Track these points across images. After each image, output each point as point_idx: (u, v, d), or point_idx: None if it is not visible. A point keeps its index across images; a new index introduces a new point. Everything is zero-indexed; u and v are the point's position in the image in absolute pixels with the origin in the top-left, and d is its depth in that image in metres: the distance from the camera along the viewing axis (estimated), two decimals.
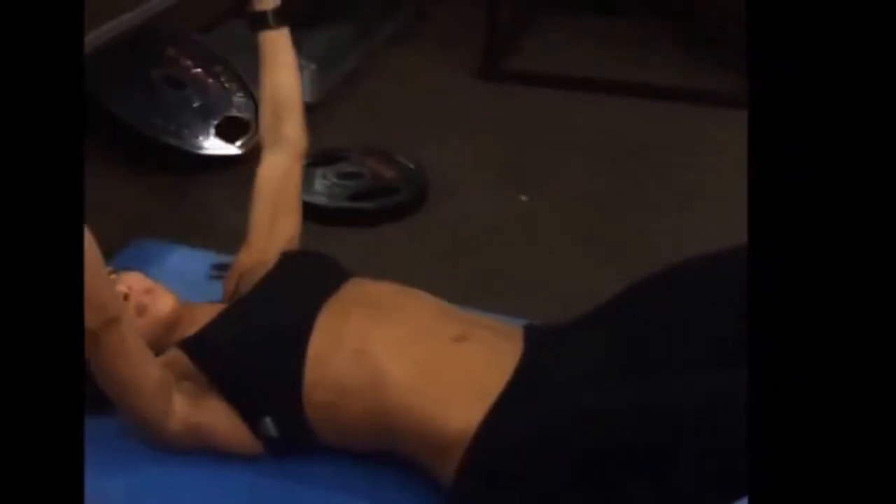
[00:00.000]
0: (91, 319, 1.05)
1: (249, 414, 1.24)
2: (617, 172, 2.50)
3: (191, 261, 1.77)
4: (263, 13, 1.47)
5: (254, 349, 1.25)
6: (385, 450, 1.23)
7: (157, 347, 1.27)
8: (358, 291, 1.31)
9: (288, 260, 1.41)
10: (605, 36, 3.30)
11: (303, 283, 1.34)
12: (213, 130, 2.46)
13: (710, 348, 1.17)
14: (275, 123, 1.50)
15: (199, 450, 1.26)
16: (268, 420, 1.23)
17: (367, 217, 2.24)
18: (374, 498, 1.23)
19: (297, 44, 1.54)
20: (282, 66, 1.50)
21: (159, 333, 1.30)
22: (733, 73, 2.96)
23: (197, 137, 2.45)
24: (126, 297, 1.30)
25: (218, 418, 1.24)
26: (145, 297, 1.31)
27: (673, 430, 1.07)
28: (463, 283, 1.90)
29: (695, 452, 1.05)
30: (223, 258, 1.78)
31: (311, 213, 1.71)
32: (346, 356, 1.21)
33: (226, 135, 2.48)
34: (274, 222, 1.47)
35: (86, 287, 0.94)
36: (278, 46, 1.50)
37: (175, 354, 1.26)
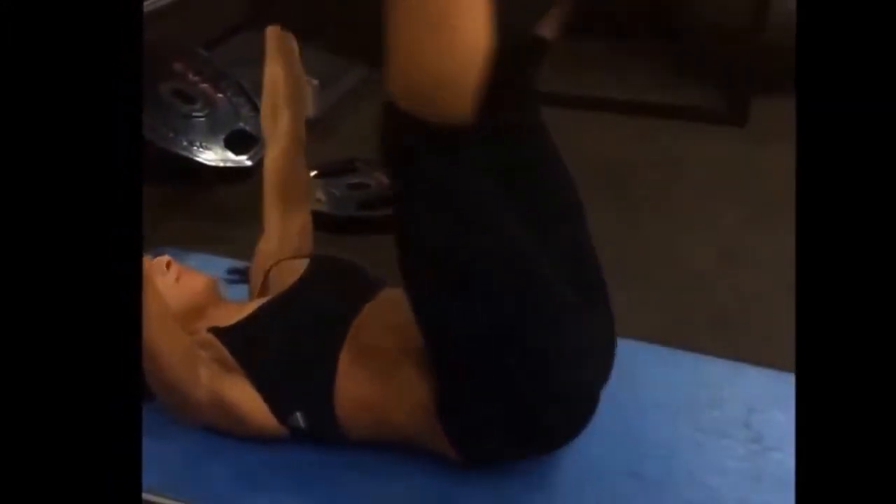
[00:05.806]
0: None
1: (279, 405, 1.28)
2: (606, 183, 2.61)
3: (208, 266, 1.85)
4: None
5: (292, 346, 1.29)
6: (402, 441, 1.30)
7: (186, 321, 1.32)
8: (392, 301, 1.31)
9: (324, 263, 1.45)
10: (590, 56, 3.42)
11: (340, 287, 1.39)
12: (222, 143, 2.53)
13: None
14: (272, 116, 1.54)
15: (220, 425, 1.31)
16: (298, 414, 1.29)
17: (376, 225, 2.27)
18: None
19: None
20: (285, 61, 1.53)
21: (191, 305, 1.37)
22: (714, 90, 3.10)
23: (207, 150, 2.53)
24: (168, 264, 1.38)
25: (244, 398, 1.28)
26: (184, 269, 1.40)
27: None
28: None
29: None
30: (238, 263, 1.88)
31: (322, 223, 1.73)
32: (376, 367, 1.26)
33: (234, 148, 2.54)
34: (284, 212, 1.51)
35: None
36: (285, 40, 1.53)
37: (207, 338, 1.31)
